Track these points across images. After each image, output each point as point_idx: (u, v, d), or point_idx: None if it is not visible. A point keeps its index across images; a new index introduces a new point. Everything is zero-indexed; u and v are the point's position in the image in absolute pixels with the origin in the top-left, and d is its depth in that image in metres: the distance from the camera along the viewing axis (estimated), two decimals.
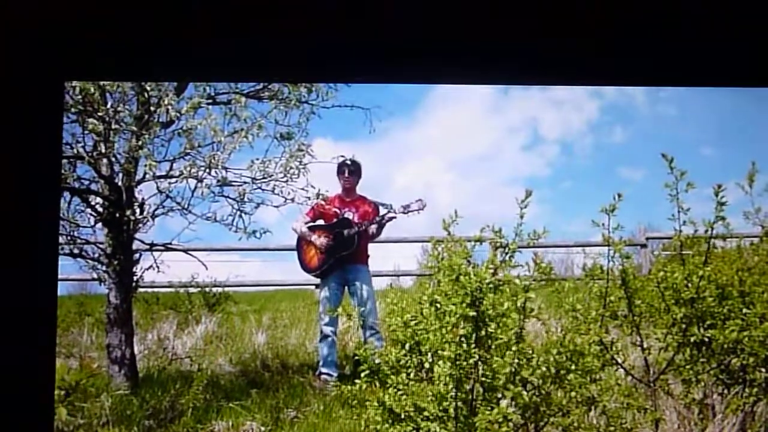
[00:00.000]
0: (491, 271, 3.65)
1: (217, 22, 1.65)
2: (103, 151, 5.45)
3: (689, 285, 4.06)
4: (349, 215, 6.04)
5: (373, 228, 5.99)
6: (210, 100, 5.73)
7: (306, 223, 6.10)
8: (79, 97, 5.30)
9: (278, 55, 1.73)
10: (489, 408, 3.46)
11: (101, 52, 1.66)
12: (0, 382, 1.57)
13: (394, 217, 6.03)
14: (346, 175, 6.12)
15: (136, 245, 5.74)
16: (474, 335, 3.52)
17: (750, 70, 1.77)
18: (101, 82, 5.28)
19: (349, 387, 3.87)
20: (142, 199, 5.70)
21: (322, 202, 5.99)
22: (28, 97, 1.58)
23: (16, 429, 1.58)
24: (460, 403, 3.50)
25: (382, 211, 6.04)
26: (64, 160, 5.49)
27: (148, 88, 5.46)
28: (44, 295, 1.62)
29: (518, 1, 1.68)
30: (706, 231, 4.20)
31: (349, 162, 6.12)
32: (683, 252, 4.29)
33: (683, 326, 4.07)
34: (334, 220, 6.06)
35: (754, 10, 1.68)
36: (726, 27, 1.67)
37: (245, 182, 5.73)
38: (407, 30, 1.68)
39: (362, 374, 3.78)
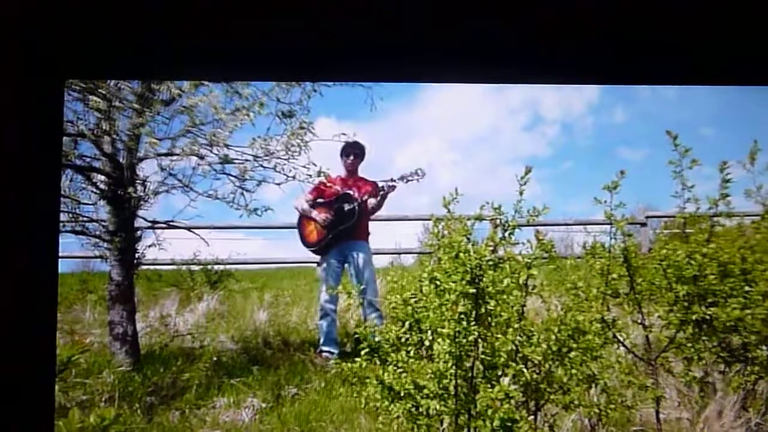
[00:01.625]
0: (491, 248, 3.63)
1: (217, 22, 1.58)
2: (106, 128, 5.46)
3: (692, 263, 4.06)
4: (352, 193, 6.04)
5: (372, 201, 6.03)
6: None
7: (308, 201, 6.12)
8: None
9: (278, 55, 1.66)
10: (489, 386, 3.45)
11: (102, 50, 1.59)
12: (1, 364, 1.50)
13: (394, 187, 6.06)
14: (351, 158, 6.18)
15: (138, 223, 5.80)
16: (474, 312, 3.49)
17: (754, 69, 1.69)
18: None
19: (349, 364, 3.86)
20: (144, 176, 5.78)
21: (325, 181, 6.01)
22: (28, 96, 1.51)
23: (18, 409, 1.50)
24: (460, 381, 3.48)
25: (385, 185, 6.05)
26: (67, 138, 5.49)
27: None
28: (45, 286, 1.52)
29: (518, 1, 1.62)
30: (710, 209, 4.23)
31: (353, 144, 6.15)
32: (686, 230, 4.28)
33: (685, 304, 4.07)
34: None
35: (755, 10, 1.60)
36: (725, 26, 1.60)
37: (247, 160, 5.79)
38: (407, 30, 1.61)
39: (362, 352, 3.79)
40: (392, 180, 6.06)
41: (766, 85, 1.72)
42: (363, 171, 6.32)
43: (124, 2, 1.56)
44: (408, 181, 6.00)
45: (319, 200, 6.16)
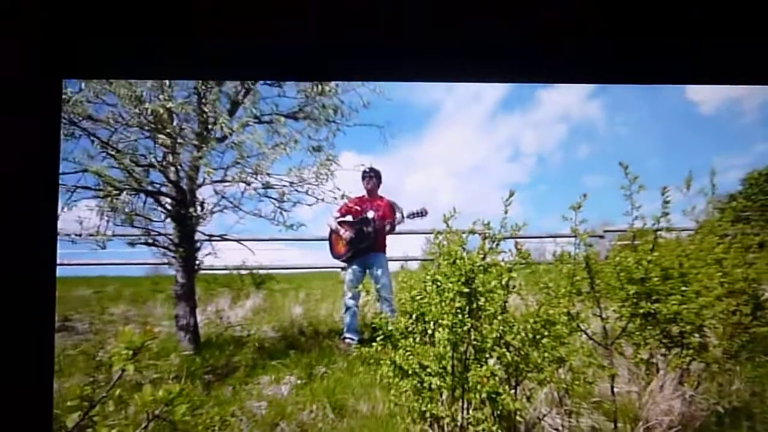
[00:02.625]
0: (481, 256, 3.63)
1: (216, 22, 1.41)
2: (171, 160, 5.53)
3: (639, 267, 4.06)
4: (370, 213, 6.11)
5: (387, 227, 6.09)
6: (256, 120, 5.79)
7: (336, 218, 6.20)
8: (151, 117, 5.37)
9: (278, 55, 1.48)
10: (479, 365, 3.45)
11: (99, 50, 1.42)
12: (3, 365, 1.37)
13: (401, 222, 6.14)
14: (369, 182, 6.22)
15: (197, 236, 5.80)
16: (467, 308, 3.51)
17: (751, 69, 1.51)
18: (169, 105, 5.35)
19: (367, 349, 3.83)
20: (202, 199, 5.78)
21: (349, 203, 6.09)
22: (27, 95, 1.36)
23: (17, 407, 1.38)
24: (456, 362, 3.49)
25: (398, 213, 6.14)
26: (139, 168, 5.56)
27: (207, 110, 5.53)
28: (44, 286, 1.40)
29: (518, 2, 1.44)
30: (654, 224, 4.17)
31: (370, 170, 6.23)
32: (635, 241, 4.27)
33: (634, 301, 4.07)
34: (359, 216, 6.14)
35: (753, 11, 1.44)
36: (725, 25, 1.44)
37: (284, 186, 5.81)
38: (407, 30, 1.45)
39: (378, 338, 3.77)
40: (402, 213, 6.13)
41: (764, 84, 1.55)
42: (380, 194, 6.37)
43: (122, 2, 1.41)
44: (413, 217, 6.08)
45: (347, 218, 6.19)
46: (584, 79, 1.65)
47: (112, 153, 5.46)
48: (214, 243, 5.95)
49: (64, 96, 5.37)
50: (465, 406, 3.47)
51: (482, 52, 1.48)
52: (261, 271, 8.03)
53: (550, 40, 1.46)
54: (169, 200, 5.70)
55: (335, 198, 5.93)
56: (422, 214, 6.12)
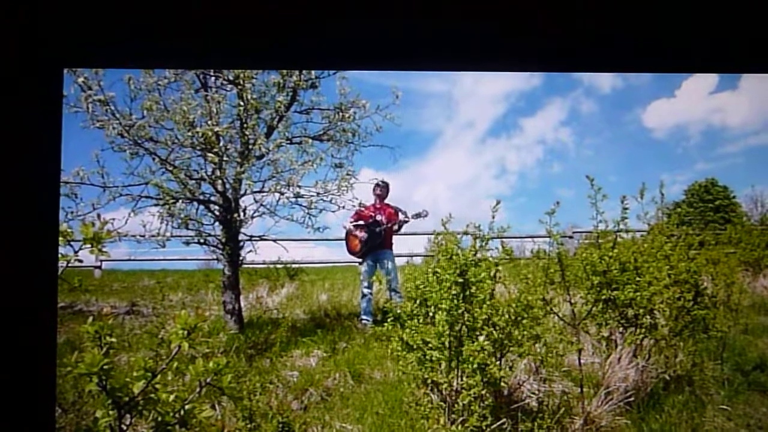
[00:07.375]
0: (473, 253, 3.66)
1: (215, 12, 1.18)
2: (218, 175, 5.59)
3: (602, 262, 4.12)
4: (379, 217, 6.22)
5: (395, 227, 6.21)
6: (288, 141, 5.86)
7: (351, 222, 6.31)
8: (202, 139, 5.46)
9: (275, 46, 1.23)
10: (471, 341, 3.47)
11: (100, 39, 1.20)
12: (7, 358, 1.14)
13: (407, 221, 6.26)
14: (378, 191, 6.34)
15: (241, 237, 5.88)
16: (461, 294, 3.52)
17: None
18: (216, 129, 5.44)
19: (380, 328, 3.89)
20: (245, 206, 5.85)
21: (362, 209, 6.20)
22: (28, 84, 1.15)
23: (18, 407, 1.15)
24: (452, 339, 3.49)
25: (401, 215, 6.26)
26: (192, 180, 5.67)
27: (247, 133, 5.63)
28: (45, 281, 1.18)
29: None
30: (614, 227, 4.24)
31: (380, 183, 6.35)
32: (599, 240, 4.33)
33: (597, 289, 4.13)
34: (370, 220, 6.26)
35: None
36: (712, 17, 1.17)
37: (312, 196, 5.86)
38: (405, 20, 1.19)
39: (388, 320, 3.80)
40: (406, 215, 6.25)
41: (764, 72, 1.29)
42: (389, 201, 6.46)
43: None
44: (417, 217, 6.19)
45: (359, 222, 6.26)
46: (581, 67, 1.34)
47: (170, 168, 5.56)
48: (254, 242, 6.01)
49: (129, 121, 5.50)
50: (459, 374, 3.50)
51: (469, 46, 1.23)
52: (293, 266, 8.10)
53: (543, 30, 1.21)
54: (217, 207, 5.76)
55: (354, 206, 6.03)
56: (424, 215, 6.26)
